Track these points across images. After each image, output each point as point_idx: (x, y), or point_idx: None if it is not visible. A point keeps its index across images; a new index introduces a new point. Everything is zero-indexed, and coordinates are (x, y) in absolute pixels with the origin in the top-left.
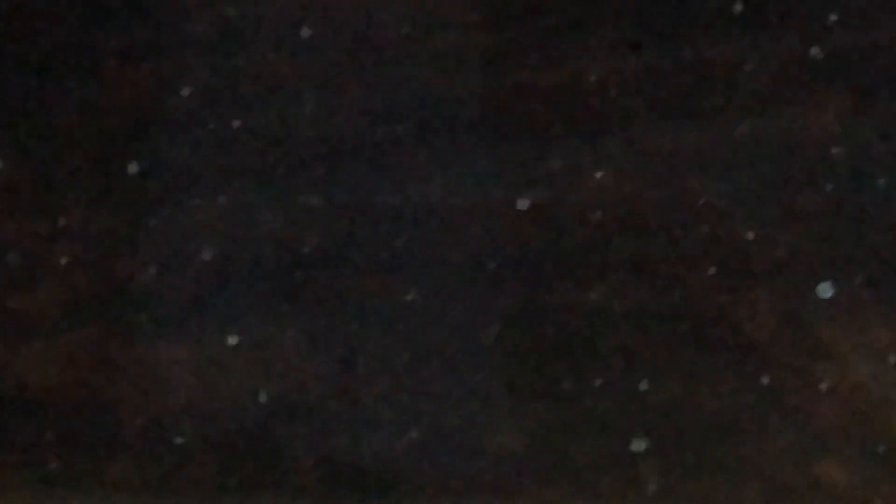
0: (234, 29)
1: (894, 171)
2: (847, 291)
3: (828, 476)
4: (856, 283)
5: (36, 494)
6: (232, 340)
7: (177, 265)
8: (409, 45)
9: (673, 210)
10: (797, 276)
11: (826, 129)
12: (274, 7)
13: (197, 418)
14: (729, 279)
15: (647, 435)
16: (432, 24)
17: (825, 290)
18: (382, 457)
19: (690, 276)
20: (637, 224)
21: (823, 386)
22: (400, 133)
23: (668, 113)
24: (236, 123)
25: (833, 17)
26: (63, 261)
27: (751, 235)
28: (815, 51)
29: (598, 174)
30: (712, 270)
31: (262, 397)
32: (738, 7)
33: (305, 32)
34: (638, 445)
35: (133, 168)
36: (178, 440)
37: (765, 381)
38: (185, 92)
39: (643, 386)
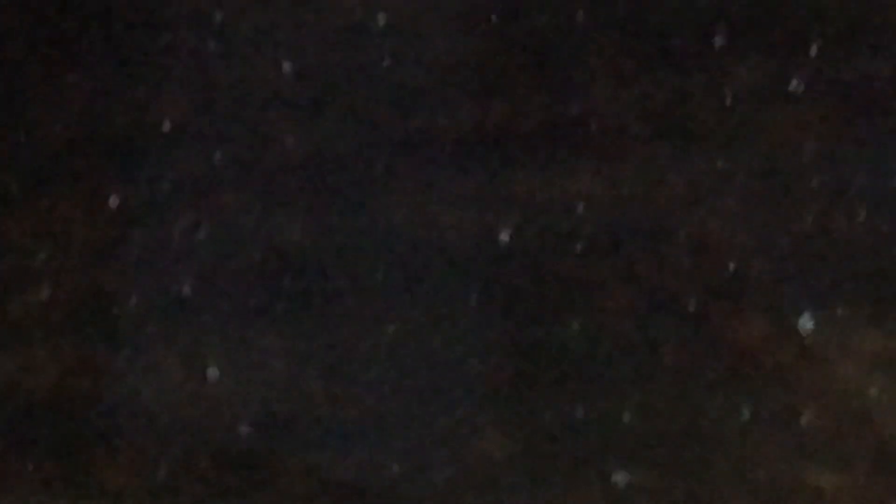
0: (215, 64)
1: (874, 201)
2: (829, 319)
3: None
4: (837, 312)
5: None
6: (212, 372)
7: (157, 297)
8: (390, 79)
9: (654, 241)
10: (780, 306)
11: (806, 160)
12: (255, 43)
13: (182, 446)
14: (711, 310)
15: (630, 467)
16: (415, 58)
17: (806, 320)
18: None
19: (672, 307)
20: (618, 255)
21: (804, 419)
22: (380, 167)
23: (649, 144)
24: (217, 157)
25: (813, 50)
26: (44, 295)
27: (732, 266)
28: (794, 83)
29: (579, 206)
30: (694, 302)
31: (244, 429)
32: (720, 40)
33: (286, 67)
34: (620, 477)
35: (114, 201)
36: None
37: (746, 413)
38: (167, 126)
39: (626, 417)
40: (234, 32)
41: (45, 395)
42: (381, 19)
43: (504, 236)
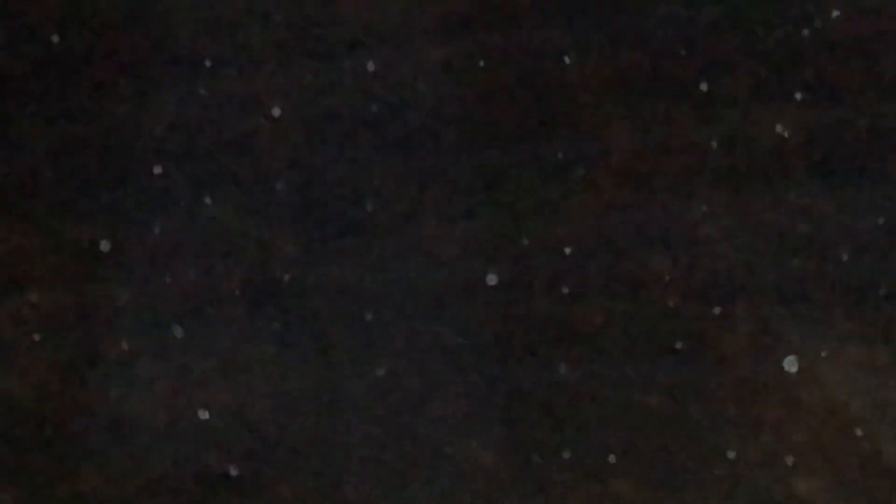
0: (205, 107)
1: (858, 245)
2: (814, 365)
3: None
4: (822, 356)
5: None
6: (203, 414)
7: (147, 341)
8: (378, 124)
9: (640, 286)
10: (763, 351)
11: (791, 205)
12: (244, 87)
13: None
14: (697, 353)
15: None
16: (403, 102)
17: (791, 363)
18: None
19: (658, 350)
20: (604, 299)
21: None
22: (370, 210)
23: (634, 189)
24: (207, 201)
25: (798, 95)
26: (37, 337)
27: (717, 311)
28: (780, 127)
29: (567, 250)
30: (679, 345)
31: (233, 471)
32: (705, 85)
33: (276, 111)
34: None
35: (105, 246)
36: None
37: (731, 455)
38: (158, 170)
39: (612, 459)
40: (222, 77)
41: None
42: (370, 66)
43: (492, 279)
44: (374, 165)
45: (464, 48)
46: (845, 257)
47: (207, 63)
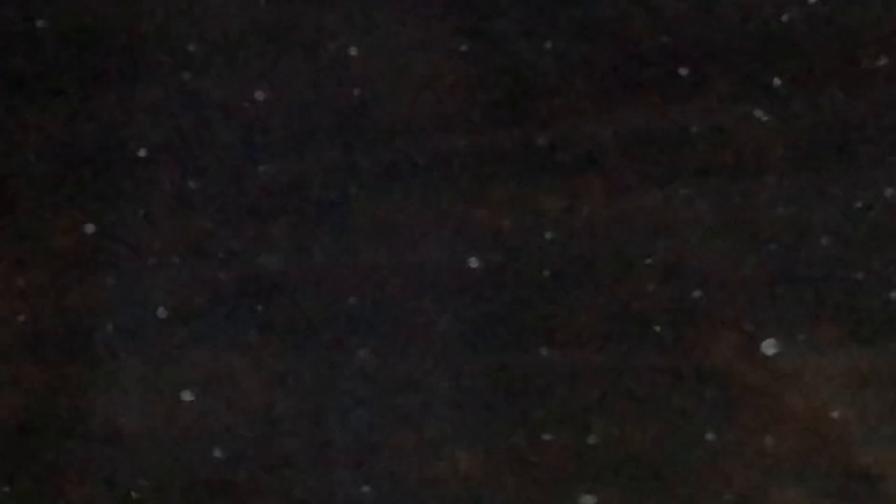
0: (189, 92)
1: (837, 230)
2: (795, 341)
3: None
4: (799, 339)
5: None
6: (187, 395)
7: (132, 324)
8: (362, 109)
9: (621, 268)
10: (746, 331)
11: (770, 190)
12: (228, 72)
13: (155, 468)
14: (676, 336)
15: (596, 490)
16: (386, 89)
17: (769, 346)
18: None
19: (637, 333)
20: (585, 283)
21: (769, 441)
22: (352, 195)
23: (614, 174)
24: (192, 184)
25: (777, 81)
26: (21, 318)
27: (697, 294)
28: (758, 113)
29: (547, 234)
30: (658, 328)
31: (217, 452)
32: (684, 71)
33: (260, 96)
34: (587, 500)
35: (90, 228)
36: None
37: (710, 437)
38: (142, 153)
39: (592, 440)
40: (207, 62)
41: (17, 415)
42: (353, 51)
43: (473, 263)
44: (356, 149)
45: (443, 32)
46: (824, 242)
47: (192, 48)
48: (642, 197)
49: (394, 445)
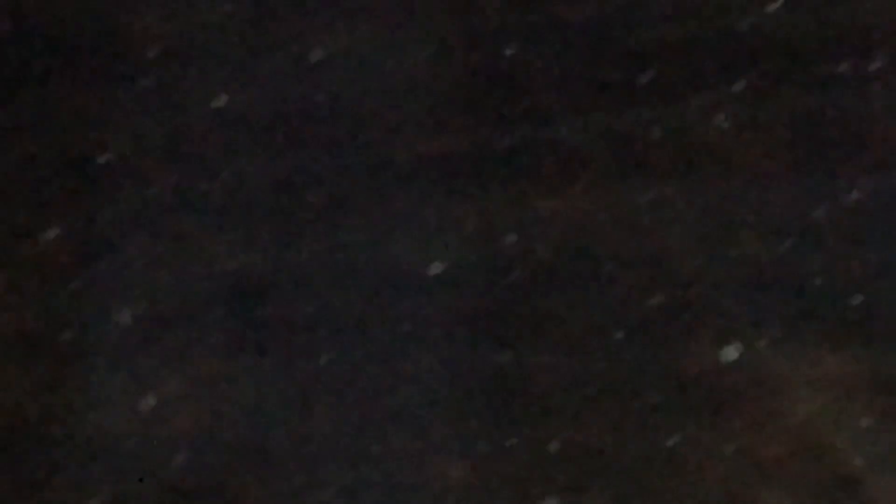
0: (152, 98)
1: (800, 232)
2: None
3: None
4: (760, 345)
5: None
6: (150, 400)
7: (95, 328)
8: (325, 112)
9: (581, 275)
10: (704, 339)
11: (732, 195)
12: (192, 76)
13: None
14: (637, 343)
15: (559, 494)
16: (350, 91)
17: (730, 352)
18: None
19: (599, 338)
20: (546, 287)
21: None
22: (312, 200)
23: (575, 179)
24: (153, 190)
25: (738, 86)
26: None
27: (660, 299)
28: (720, 118)
29: (509, 238)
30: (620, 334)
31: (179, 458)
32: (645, 77)
33: (223, 100)
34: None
35: (53, 233)
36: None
37: (671, 442)
38: (104, 159)
39: (554, 446)
40: (167, 66)
41: None
42: (318, 53)
43: (436, 268)
44: (319, 153)
45: (413, 35)
46: (788, 244)
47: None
48: (601, 200)
49: (361, 448)
